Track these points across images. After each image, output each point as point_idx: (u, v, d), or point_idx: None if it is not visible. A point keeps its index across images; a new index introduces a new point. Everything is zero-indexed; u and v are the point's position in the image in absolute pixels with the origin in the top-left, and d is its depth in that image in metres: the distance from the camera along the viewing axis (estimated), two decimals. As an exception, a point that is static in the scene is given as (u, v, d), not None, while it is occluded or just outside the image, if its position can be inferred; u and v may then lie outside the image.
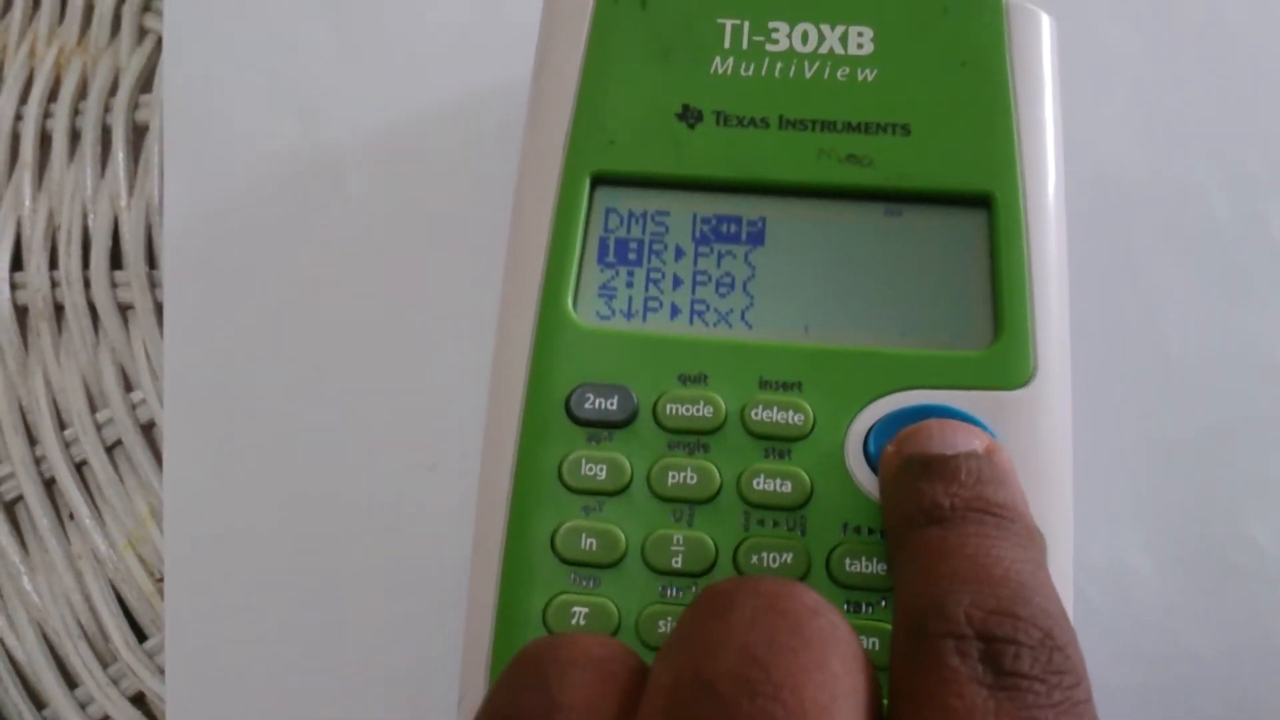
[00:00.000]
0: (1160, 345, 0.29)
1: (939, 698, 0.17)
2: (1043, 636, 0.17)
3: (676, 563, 0.24)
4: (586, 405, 0.25)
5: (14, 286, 0.31)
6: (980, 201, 0.27)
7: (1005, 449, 0.23)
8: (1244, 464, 0.28)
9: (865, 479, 0.25)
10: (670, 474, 0.25)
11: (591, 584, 0.24)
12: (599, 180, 0.27)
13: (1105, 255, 0.30)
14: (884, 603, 0.24)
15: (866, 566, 0.24)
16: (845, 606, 0.24)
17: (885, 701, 0.18)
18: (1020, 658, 0.17)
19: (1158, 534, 0.28)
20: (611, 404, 0.25)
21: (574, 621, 0.24)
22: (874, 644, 0.24)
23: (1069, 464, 0.26)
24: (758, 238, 0.27)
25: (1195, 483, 0.28)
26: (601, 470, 0.25)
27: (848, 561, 0.24)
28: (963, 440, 0.22)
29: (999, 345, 0.26)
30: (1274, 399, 0.29)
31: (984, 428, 0.25)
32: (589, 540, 0.25)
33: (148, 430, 0.30)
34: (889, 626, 0.24)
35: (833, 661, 0.17)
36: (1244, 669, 0.27)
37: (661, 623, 0.24)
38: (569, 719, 0.17)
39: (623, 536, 0.25)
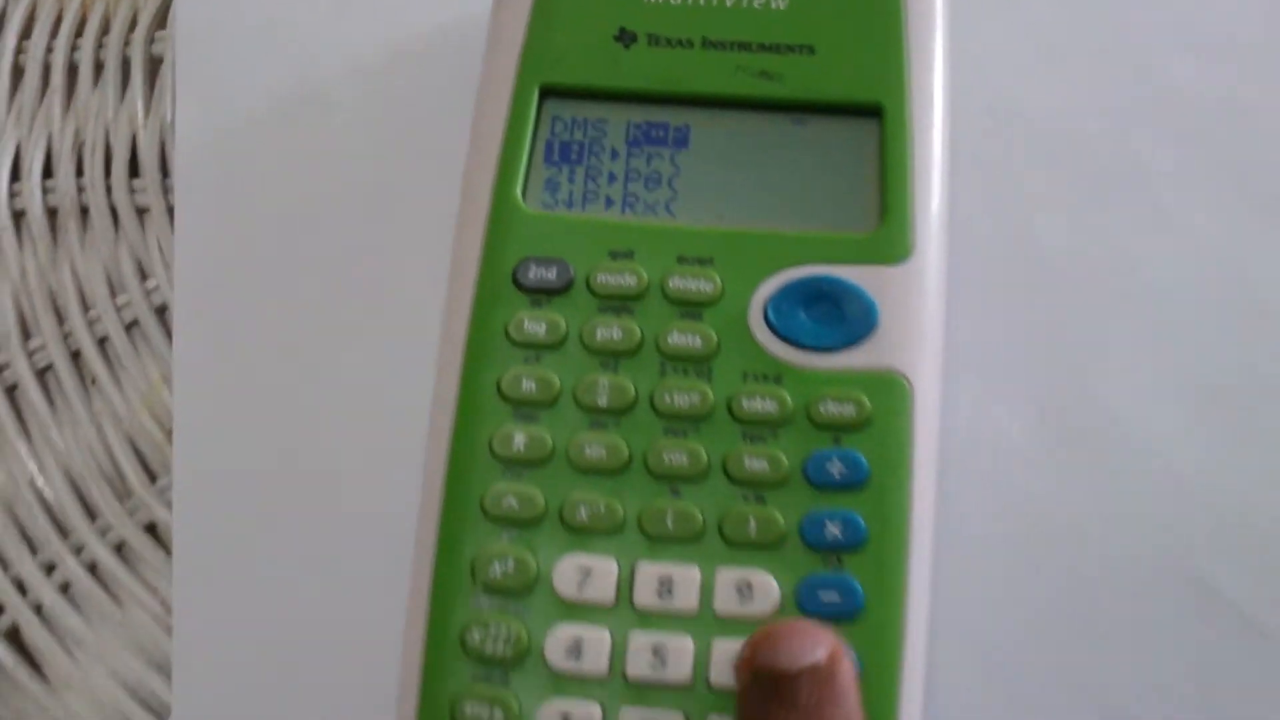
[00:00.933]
0: (1033, 243, 0.34)
1: None
2: None
3: (602, 401, 0.29)
4: (530, 275, 0.30)
5: (45, 191, 0.36)
6: (872, 111, 0.31)
7: (848, 658, 0.24)
8: (1100, 343, 0.33)
9: (764, 337, 0.29)
10: (599, 330, 0.29)
11: (531, 419, 0.29)
12: (547, 92, 0.32)
13: (989, 169, 0.35)
14: (774, 434, 0.29)
15: (760, 406, 0.29)
16: (742, 438, 0.29)
17: None
18: None
19: (1024, 399, 0.33)
20: (551, 274, 0.30)
21: (514, 446, 0.29)
22: (762, 466, 0.28)
23: (940, 330, 0.30)
24: (682, 142, 0.32)
25: (1058, 357, 0.33)
26: (541, 327, 0.30)
27: (744, 401, 0.29)
28: (808, 651, 0.24)
29: (882, 228, 0.30)
30: (1126, 289, 0.33)
31: (867, 298, 0.29)
32: (529, 383, 0.29)
33: (160, 312, 0.35)
34: (778, 453, 0.28)
35: None
36: (1093, 516, 0.31)
37: (587, 448, 0.28)
38: None
39: (557, 380, 0.29)
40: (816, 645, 0.24)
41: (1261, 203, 0.34)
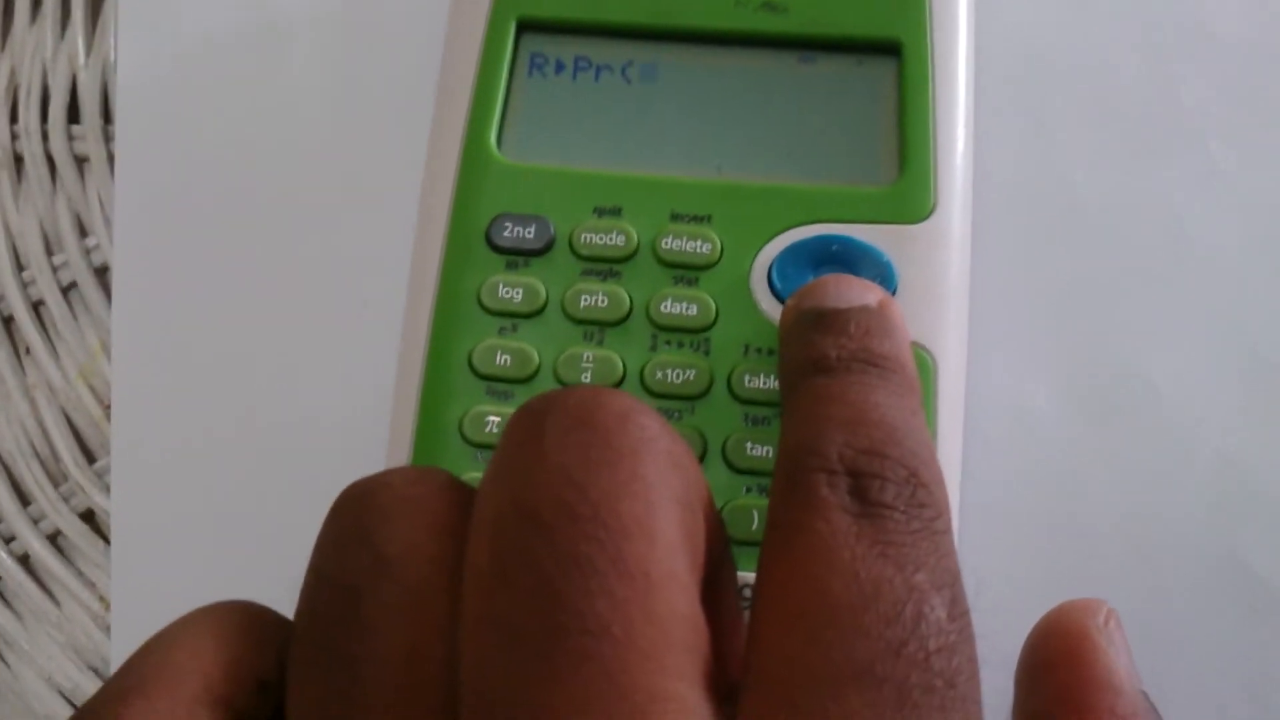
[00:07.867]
0: (1067, 197, 0.31)
1: (807, 523, 0.18)
2: (908, 474, 0.18)
3: (586, 378, 0.26)
4: (505, 234, 0.27)
5: (-25, 138, 0.33)
6: (889, 49, 0.28)
7: (897, 303, 0.23)
8: (1138, 309, 0.30)
9: (769, 306, 0.26)
10: (583, 298, 0.26)
11: (505, 398, 0.26)
12: (525, 26, 0.29)
13: (1019, 115, 0.31)
14: (780, 416, 0.25)
15: (764, 383, 0.26)
16: (744, 420, 0.25)
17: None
18: (885, 490, 0.18)
19: (1054, 370, 0.29)
20: (529, 232, 0.27)
21: (487, 428, 0.25)
22: (767, 453, 0.25)
23: (965, 295, 0.27)
24: (676, 83, 0.28)
25: (1092, 325, 0.30)
26: (518, 294, 0.26)
27: (747, 378, 0.26)
28: (857, 295, 0.23)
29: (902, 182, 0.27)
30: (1168, 250, 0.30)
31: (884, 260, 0.26)
32: (504, 357, 0.26)
33: (100, 273, 0.32)
34: (784, 438, 0.25)
35: (647, 469, 0.17)
36: (1130, 495, 0.29)
37: (569, 432, 0.25)
38: (399, 574, 0.17)
39: (536, 354, 0.26)
40: (866, 291, 0.23)
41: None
